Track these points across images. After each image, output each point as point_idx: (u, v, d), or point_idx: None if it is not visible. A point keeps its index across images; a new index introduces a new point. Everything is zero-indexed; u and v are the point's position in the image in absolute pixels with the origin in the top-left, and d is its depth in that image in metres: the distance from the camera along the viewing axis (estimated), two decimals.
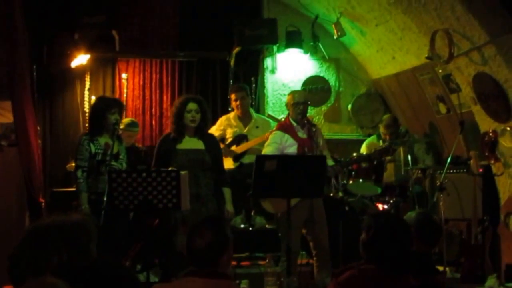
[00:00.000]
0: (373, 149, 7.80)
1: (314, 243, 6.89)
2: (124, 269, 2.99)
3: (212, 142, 6.92)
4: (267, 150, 7.01)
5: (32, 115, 7.87)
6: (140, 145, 8.84)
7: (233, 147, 8.48)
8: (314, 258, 6.93)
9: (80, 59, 9.27)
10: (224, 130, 8.66)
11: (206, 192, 6.64)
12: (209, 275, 3.65)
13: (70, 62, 9.27)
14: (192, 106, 6.69)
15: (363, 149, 8.83)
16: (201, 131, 6.81)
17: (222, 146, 8.42)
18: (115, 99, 7.42)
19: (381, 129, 8.89)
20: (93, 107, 7.18)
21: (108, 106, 6.85)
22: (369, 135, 9.57)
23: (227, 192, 6.88)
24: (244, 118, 8.67)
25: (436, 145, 9.10)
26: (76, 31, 9.31)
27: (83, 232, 3.06)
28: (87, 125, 8.40)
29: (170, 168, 6.27)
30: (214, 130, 8.61)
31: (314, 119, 9.24)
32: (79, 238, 3.02)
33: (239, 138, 8.53)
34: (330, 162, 7.00)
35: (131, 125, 8.51)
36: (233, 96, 8.68)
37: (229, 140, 8.57)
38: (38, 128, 8.44)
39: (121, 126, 8.45)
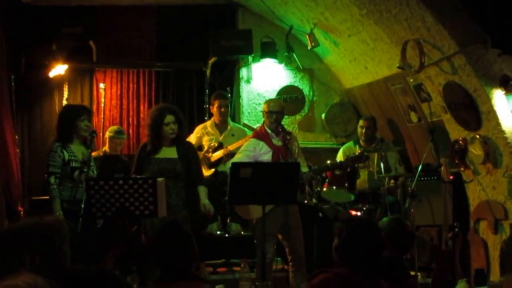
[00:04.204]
0: (350, 154, 7.89)
1: (289, 249, 6.91)
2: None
3: (186, 150, 6.93)
4: (237, 157, 7.06)
5: (10, 125, 7.88)
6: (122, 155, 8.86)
7: (209, 154, 8.55)
8: (290, 264, 6.93)
9: (58, 69, 9.31)
10: (200, 138, 8.76)
11: (177, 201, 6.64)
12: (180, 277, 3.72)
13: (48, 72, 9.31)
14: (169, 118, 6.72)
15: (340, 155, 8.81)
16: (178, 140, 6.86)
17: (200, 154, 8.53)
18: (82, 106, 7.34)
19: (359, 130, 8.91)
20: (61, 116, 6.99)
21: (77, 113, 6.75)
22: (343, 144, 9.55)
23: (202, 189, 6.85)
24: (221, 126, 8.79)
25: (407, 153, 9.21)
26: (54, 42, 9.34)
27: (55, 234, 3.04)
28: None
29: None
30: (192, 139, 8.70)
31: (288, 128, 9.34)
32: (51, 240, 3.01)
33: (216, 147, 8.60)
34: (305, 169, 7.04)
35: (119, 132, 8.68)
36: (216, 103, 8.76)
37: (206, 148, 8.67)
38: (16, 137, 8.47)
39: (110, 134, 8.58)
